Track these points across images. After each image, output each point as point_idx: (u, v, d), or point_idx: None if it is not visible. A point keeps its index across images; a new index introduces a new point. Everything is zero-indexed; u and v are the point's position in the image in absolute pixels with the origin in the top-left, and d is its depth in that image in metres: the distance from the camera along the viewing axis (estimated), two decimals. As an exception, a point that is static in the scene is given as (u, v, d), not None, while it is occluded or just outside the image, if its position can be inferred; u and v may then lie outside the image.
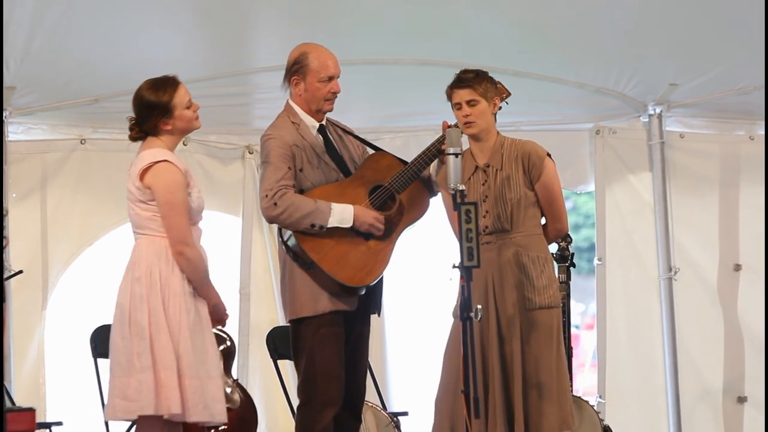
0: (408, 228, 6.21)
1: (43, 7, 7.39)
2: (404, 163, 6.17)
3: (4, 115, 8.13)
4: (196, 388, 5.56)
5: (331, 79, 6.10)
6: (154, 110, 5.70)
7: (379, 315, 6.28)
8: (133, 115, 5.78)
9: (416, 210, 6.20)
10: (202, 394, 5.57)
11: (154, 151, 5.68)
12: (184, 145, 8.53)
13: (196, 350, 5.61)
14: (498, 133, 6.18)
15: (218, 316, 5.79)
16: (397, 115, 8.88)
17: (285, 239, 6.08)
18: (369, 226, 6.01)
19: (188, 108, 5.78)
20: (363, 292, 6.07)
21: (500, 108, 6.26)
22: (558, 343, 6.07)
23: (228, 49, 8.21)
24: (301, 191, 6.01)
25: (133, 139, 5.79)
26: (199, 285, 5.69)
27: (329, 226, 5.96)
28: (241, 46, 8.31)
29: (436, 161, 6.15)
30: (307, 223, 5.93)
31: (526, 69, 8.30)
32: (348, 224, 5.98)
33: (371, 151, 6.30)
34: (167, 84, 5.73)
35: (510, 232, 6.07)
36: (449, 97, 6.13)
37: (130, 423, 7.03)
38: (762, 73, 8.28)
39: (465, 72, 6.13)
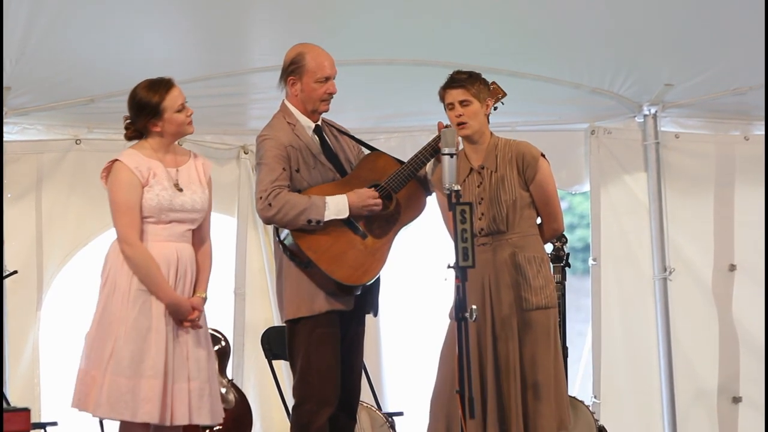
0: (405, 227, 6.21)
1: (38, 7, 7.39)
2: (401, 163, 6.17)
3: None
4: (120, 387, 5.60)
5: (327, 79, 6.10)
6: (143, 110, 5.74)
7: (375, 315, 6.28)
8: (128, 114, 5.82)
9: (413, 209, 6.20)
10: (127, 393, 5.60)
11: (123, 150, 5.76)
12: (179, 145, 8.51)
13: (133, 348, 5.64)
14: (492, 134, 6.18)
15: (179, 317, 5.78)
16: (393, 116, 8.88)
17: (282, 238, 6.07)
18: (367, 205, 6.00)
19: (179, 111, 5.78)
20: (359, 292, 6.06)
21: (495, 108, 6.26)
22: (555, 343, 6.07)
23: (223, 50, 8.20)
24: (297, 192, 6.00)
25: (128, 138, 5.84)
26: (146, 284, 5.73)
27: (326, 219, 5.95)
28: (236, 46, 8.30)
29: (432, 161, 6.15)
30: (303, 219, 5.92)
31: (521, 69, 8.30)
32: (345, 214, 5.98)
33: (367, 152, 6.30)
34: (160, 85, 5.76)
35: (506, 233, 6.07)
36: (442, 98, 6.13)
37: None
38: (758, 74, 8.29)
39: (458, 73, 6.13)
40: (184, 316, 5.77)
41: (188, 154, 5.98)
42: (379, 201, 6.03)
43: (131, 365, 5.62)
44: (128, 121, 5.82)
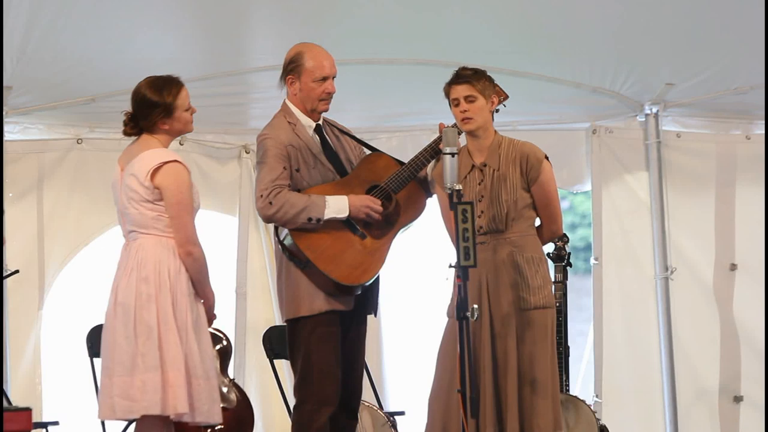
0: (404, 229, 6.21)
1: (39, 6, 7.39)
2: (401, 163, 6.17)
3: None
4: (203, 389, 5.58)
5: (325, 79, 6.09)
6: (155, 108, 5.69)
7: (375, 315, 6.28)
8: (129, 110, 5.77)
9: (413, 210, 6.20)
10: (208, 394, 5.59)
11: (160, 151, 5.68)
12: (181, 144, 8.53)
13: (201, 350, 5.63)
14: (495, 132, 6.18)
15: (210, 316, 5.81)
16: (393, 115, 8.88)
17: (281, 238, 6.08)
18: (366, 209, 6.00)
19: (187, 110, 5.78)
20: (359, 292, 6.06)
21: (497, 110, 6.26)
22: (552, 343, 6.07)
23: (224, 49, 8.21)
24: (297, 191, 6.01)
25: (127, 134, 5.78)
26: (201, 285, 5.71)
27: (326, 217, 5.95)
28: (237, 45, 8.31)
29: (432, 162, 6.14)
30: (303, 217, 5.93)
31: (522, 69, 8.30)
32: (344, 214, 5.98)
33: (368, 152, 6.30)
34: (171, 84, 5.74)
35: (505, 232, 6.07)
36: (447, 94, 6.12)
37: (126, 423, 7.04)
38: (759, 73, 8.29)
39: (464, 69, 6.14)
40: (212, 317, 5.82)
41: None
42: (380, 208, 6.03)
43: (201, 367, 5.59)
44: (129, 116, 5.78)
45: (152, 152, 5.67)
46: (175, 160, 5.65)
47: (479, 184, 6.10)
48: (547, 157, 6.13)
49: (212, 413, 5.60)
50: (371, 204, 6.02)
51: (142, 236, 5.67)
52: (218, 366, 7.88)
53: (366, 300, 6.15)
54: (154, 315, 5.56)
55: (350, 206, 5.99)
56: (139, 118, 5.74)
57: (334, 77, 6.10)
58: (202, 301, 5.74)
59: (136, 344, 5.55)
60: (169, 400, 5.52)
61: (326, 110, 6.16)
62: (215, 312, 5.86)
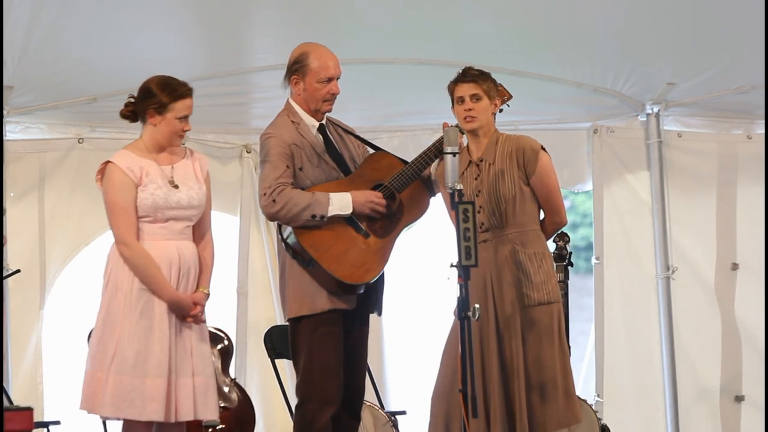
0: (408, 227, 6.21)
1: (41, 6, 7.39)
2: (405, 162, 6.17)
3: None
4: (125, 386, 5.63)
5: (330, 80, 6.09)
6: (150, 98, 5.74)
7: (379, 314, 6.28)
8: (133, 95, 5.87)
9: (416, 209, 6.19)
10: (133, 392, 5.62)
11: (116, 152, 5.80)
12: (182, 144, 8.52)
13: (137, 348, 5.66)
14: (495, 130, 6.18)
15: (181, 313, 5.80)
16: (395, 115, 8.88)
17: (284, 237, 6.07)
18: (370, 203, 6.00)
19: (181, 120, 5.80)
20: (362, 291, 6.06)
21: (501, 111, 6.26)
22: (560, 339, 6.06)
23: (225, 49, 8.21)
24: (301, 190, 6.00)
25: (122, 113, 5.86)
26: (146, 283, 5.75)
27: (330, 214, 5.95)
28: (238, 45, 8.31)
29: (436, 161, 6.14)
30: (307, 215, 5.92)
31: (523, 68, 8.30)
32: (348, 210, 5.97)
33: (372, 151, 6.30)
34: (178, 88, 5.79)
35: (505, 228, 6.07)
36: (451, 92, 6.12)
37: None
38: (759, 73, 8.29)
39: (470, 68, 6.14)
40: (185, 313, 5.79)
41: (184, 151, 5.99)
42: (383, 202, 6.03)
43: (135, 365, 5.65)
44: (131, 99, 5.85)
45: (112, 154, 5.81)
46: (109, 161, 5.77)
47: (476, 179, 6.10)
48: (543, 148, 6.12)
49: (146, 411, 5.64)
50: (375, 199, 6.01)
51: None
52: (219, 365, 7.92)
53: (369, 299, 6.14)
54: (97, 312, 5.79)
55: (354, 202, 5.99)
56: (137, 103, 5.82)
57: (338, 78, 6.10)
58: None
59: (90, 341, 5.81)
60: (88, 398, 5.70)
61: (330, 111, 6.16)
62: (205, 307, 5.89)
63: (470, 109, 6.06)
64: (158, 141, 5.85)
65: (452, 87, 6.13)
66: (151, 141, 5.84)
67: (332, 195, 5.97)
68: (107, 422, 7.54)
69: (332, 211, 5.96)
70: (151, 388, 5.65)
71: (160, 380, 5.67)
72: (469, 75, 6.10)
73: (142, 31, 7.77)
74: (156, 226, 5.78)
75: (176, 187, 5.82)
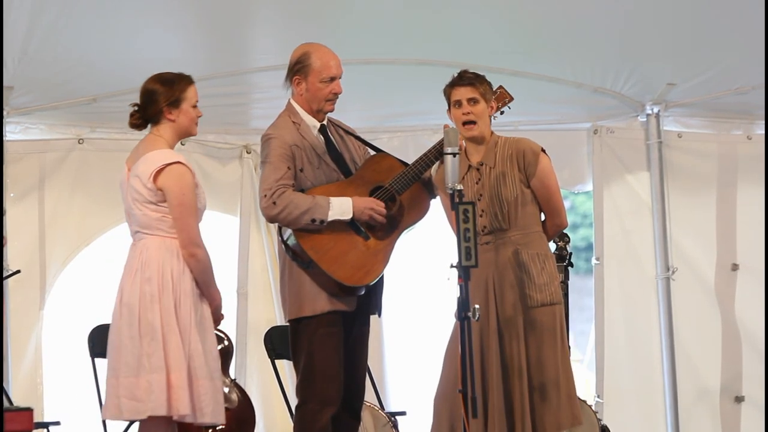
0: (408, 229, 6.20)
1: (41, 7, 7.39)
2: (405, 164, 6.17)
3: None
4: (207, 389, 5.58)
5: (332, 79, 6.08)
6: (162, 96, 5.69)
7: (379, 316, 6.27)
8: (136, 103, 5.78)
9: (416, 211, 6.19)
10: (212, 395, 5.59)
11: (164, 152, 5.68)
12: (182, 144, 8.53)
13: (205, 351, 5.62)
14: (492, 132, 6.18)
15: (216, 317, 5.81)
16: (395, 115, 8.88)
17: (285, 238, 6.07)
18: (370, 210, 5.99)
19: (194, 107, 5.79)
20: (362, 292, 6.05)
21: (502, 112, 6.26)
22: (561, 340, 6.07)
23: (226, 49, 8.21)
24: (301, 191, 6.00)
25: (132, 125, 5.77)
26: (206, 286, 5.70)
27: (330, 219, 5.94)
28: (238, 46, 8.31)
29: (437, 163, 6.14)
30: (307, 218, 5.92)
31: (523, 69, 8.31)
32: (348, 216, 5.97)
33: (372, 152, 6.29)
34: (181, 78, 5.77)
35: (508, 230, 6.07)
36: (448, 96, 6.12)
37: (127, 423, 7.04)
38: (759, 73, 8.29)
39: (466, 71, 6.14)
40: (219, 317, 5.82)
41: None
42: (383, 211, 6.02)
43: (206, 367, 5.59)
44: (135, 107, 5.77)
45: (156, 153, 5.66)
46: (179, 162, 5.64)
47: (477, 183, 6.10)
48: (544, 150, 6.12)
49: (216, 414, 5.60)
50: (375, 206, 6.01)
51: (147, 237, 5.68)
52: (220, 366, 7.91)
53: (369, 300, 6.14)
54: (158, 316, 5.56)
55: (354, 208, 5.98)
56: (146, 108, 5.74)
57: (340, 77, 6.10)
58: (207, 302, 5.74)
59: (141, 345, 5.55)
60: (173, 402, 5.51)
61: (332, 110, 6.15)
62: (223, 313, 5.88)
63: (468, 113, 6.06)
64: (180, 135, 5.80)
65: (449, 90, 6.13)
66: (173, 138, 5.77)
67: (333, 200, 5.96)
68: (107, 423, 7.55)
69: (332, 216, 5.95)
70: (219, 391, 5.65)
71: (219, 383, 5.68)
72: (465, 78, 6.09)
73: (142, 31, 7.77)
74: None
75: None
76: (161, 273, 5.61)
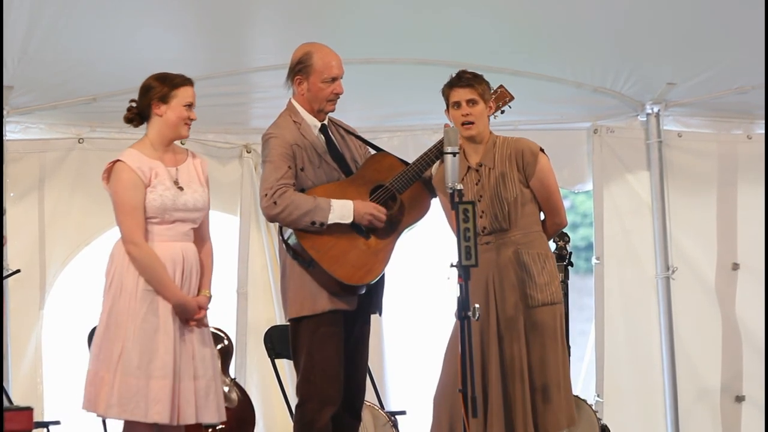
0: (409, 229, 6.20)
1: (40, 6, 7.39)
2: (406, 163, 6.16)
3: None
4: (131, 387, 5.62)
5: (334, 79, 6.08)
6: (151, 90, 5.74)
7: (380, 315, 6.27)
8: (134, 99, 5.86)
9: (417, 210, 6.19)
10: (138, 393, 5.62)
11: (123, 151, 5.77)
12: (182, 144, 8.53)
13: (141, 349, 5.65)
14: (491, 132, 6.18)
15: (186, 316, 5.80)
16: (395, 115, 8.88)
17: (285, 238, 6.07)
18: (370, 216, 6.00)
19: (186, 108, 5.80)
20: (363, 292, 6.05)
21: (503, 112, 6.26)
22: (561, 341, 6.08)
23: (225, 49, 8.21)
24: (302, 191, 6.00)
25: (126, 118, 5.85)
26: (153, 284, 5.74)
27: (330, 222, 5.95)
28: (238, 45, 8.31)
29: (437, 163, 6.14)
30: (307, 220, 5.92)
31: (523, 68, 8.30)
32: (349, 219, 5.97)
33: (373, 152, 6.29)
34: (177, 77, 5.80)
35: (508, 231, 6.07)
36: (447, 97, 6.12)
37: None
38: (759, 73, 8.29)
39: (464, 72, 6.14)
40: (190, 316, 5.79)
41: (186, 152, 5.99)
42: (383, 217, 6.01)
43: (140, 366, 5.64)
44: (132, 103, 5.84)
45: (120, 153, 5.77)
46: (118, 160, 5.74)
47: (476, 184, 6.10)
48: (542, 150, 6.12)
49: (151, 412, 5.64)
50: (375, 212, 6.01)
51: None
52: (219, 365, 7.90)
53: (370, 299, 6.14)
54: (101, 311, 5.77)
55: (354, 212, 5.98)
56: (139, 103, 5.80)
57: (341, 77, 6.10)
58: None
59: (93, 340, 5.81)
60: (91, 397, 5.69)
61: (333, 110, 6.15)
62: (208, 310, 5.89)
63: (468, 114, 6.05)
64: (165, 134, 5.83)
65: (447, 91, 6.13)
66: (158, 137, 5.82)
67: (334, 202, 5.96)
68: (107, 422, 7.55)
69: (332, 219, 5.95)
70: (156, 390, 5.65)
71: (165, 381, 5.67)
72: (464, 79, 6.09)
73: (141, 31, 7.77)
74: (163, 227, 5.78)
75: (181, 189, 5.82)
76: (109, 270, 5.79)
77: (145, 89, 5.80)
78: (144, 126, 5.91)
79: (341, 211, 5.96)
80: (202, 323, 5.85)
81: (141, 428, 5.69)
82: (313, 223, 5.92)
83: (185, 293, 5.79)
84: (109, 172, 5.78)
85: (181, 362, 5.73)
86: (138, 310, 5.69)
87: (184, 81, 5.83)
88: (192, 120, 5.88)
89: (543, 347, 6.01)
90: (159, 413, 5.64)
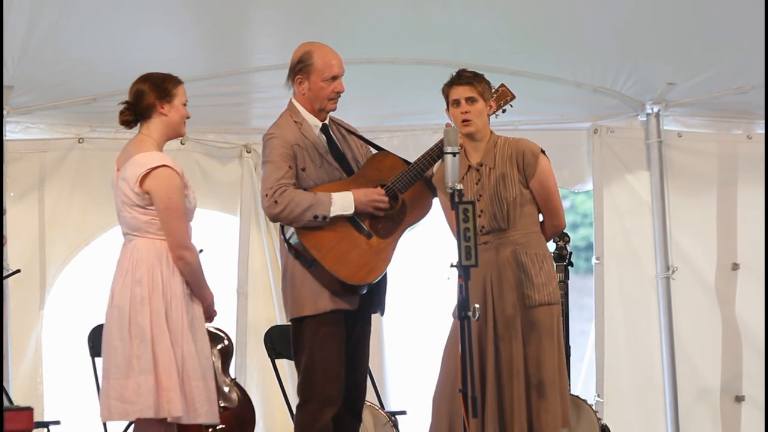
0: (410, 228, 6.21)
1: (40, 6, 7.39)
2: (407, 163, 6.17)
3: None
4: (201, 390, 5.59)
5: (335, 78, 6.09)
6: (154, 91, 5.70)
7: (382, 314, 6.28)
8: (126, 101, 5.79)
9: (419, 210, 6.19)
10: (205, 395, 5.60)
11: (150, 154, 5.67)
12: (182, 144, 8.54)
13: (197, 351, 5.63)
14: (491, 132, 6.18)
15: (209, 314, 5.83)
16: (395, 114, 8.88)
17: (287, 237, 6.07)
18: (372, 201, 5.99)
19: (185, 105, 5.80)
20: (364, 291, 6.06)
21: (504, 111, 6.27)
22: (558, 341, 6.08)
23: (225, 49, 8.21)
24: (303, 190, 6.00)
25: (122, 122, 5.77)
26: (197, 287, 5.71)
27: (332, 215, 5.94)
28: (238, 45, 8.31)
29: (438, 162, 6.14)
30: (309, 215, 5.92)
31: (523, 68, 8.30)
32: (350, 210, 5.97)
33: (374, 151, 6.29)
34: (171, 77, 5.78)
35: (507, 231, 6.07)
36: (446, 95, 6.13)
37: (127, 423, 7.04)
38: (759, 72, 8.29)
39: (464, 70, 6.14)
40: (212, 314, 5.83)
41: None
42: (385, 199, 6.02)
43: (199, 368, 5.61)
44: (126, 105, 5.76)
45: (142, 156, 5.66)
46: (164, 165, 5.65)
47: (476, 183, 6.11)
48: (543, 151, 6.13)
49: (210, 414, 5.61)
50: (377, 197, 6.01)
51: (136, 238, 5.70)
52: (219, 365, 7.91)
53: (371, 299, 6.14)
54: (148, 318, 5.58)
55: (356, 201, 5.98)
56: (138, 104, 5.74)
57: (342, 76, 6.10)
58: (198, 301, 5.75)
59: (131, 347, 5.57)
60: (163, 403, 5.53)
61: (334, 109, 6.16)
62: (216, 309, 5.87)
63: (466, 112, 6.06)
64: (168, 133, 5.79)
65: (447, 90, 6.13)
66: (162, 137, 5.77)
67: (334, 195, 5.97)
68: (107, 423, 7.55)
69: (334, 211, 5.95)
70: (212, 391, 5.66)
71: (212, 382, 5.69)
72: (464, 77, 6.10)
73: (141, 31, 7.77)
74: (190, 229, 5.78)
75: None
76: (151, 275, 5.62)
77: (143, 91, 5.74)
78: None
79: (342, 202, 5.97)
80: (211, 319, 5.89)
81: (154, 426, 5.65)
82: (316, 217, 5.92)
83: None
84: (145, 177, 5.63)
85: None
86: (189, 314, 5.65)
87: (179, 80, 5.81)
88: (188, 118, 5.87)
89: (540, 347, 6.02)
90: (216, 414, 5.65)
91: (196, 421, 5.58)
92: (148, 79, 5.77)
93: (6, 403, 7.48)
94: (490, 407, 5.96)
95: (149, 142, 5.73)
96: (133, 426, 5.76)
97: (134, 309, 5.60)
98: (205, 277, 5.75)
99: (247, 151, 8.87)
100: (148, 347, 5.55)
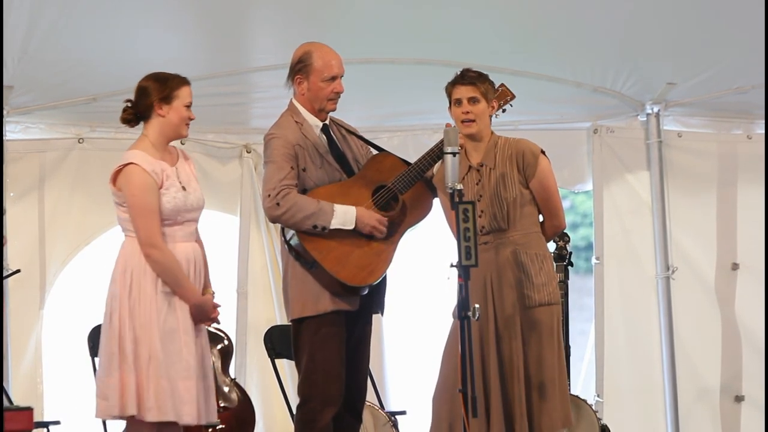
0: (411, 229, 6.21)
1: (40, 6, 7.39)
2: (408, 164, 6.17)
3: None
4: (164, 389, 5.60)
5: (334, 78, 6.09)
6: (155, 91, 5.72)
7: (382, 315, 6.28)
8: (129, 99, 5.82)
9: (419, 211, 6.19)
10: (170, 395, 5.61)
11: (128, 153, 5.74)
12: (182, 144, 8.53)
13: (167, 351, 5.64)
14: (492, 132, 6.18)
15: (203, 316, 5.80)
16: (394, 115, 8.88)
17: (288, 238, 6.07)
18: (371, 228, 6.00)
19: (187, 108, 5.80)
20: (365, 292, 6.06)
21: (504, 111, 6.26)
22: (558, 341, 6.08)
23: (225, 49, 8.21)
24: (304, 191, 6.00)
25: (123, 119, 5.82)
26: (173, 286, 5.72)
27: (332, 227, 5.95)
28: (238, 45, 8.31)
29: (439, 163, 6.14)
30: (309, 224, 5.92)
31: (523, 68, 8.30)
32: (350, 226, 5.97)
33: (375, 152, 6.29)
34: (176, 77, 5.80)
35: (507, 231, 6.07)
36: (449, 94, 6.13)
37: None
38: (759, 73, 8.29)
39: (468, 70, 6.14)
40: (207, 315, 5.80)
41: (176, 151, 5.97)
42: (384, 230, 6.02)
43: (167, 368, 5.62)
44: (128, 103, 5.81)
45: (124, 154, 5.73)
46: (131, 163, 5.69)
47: (477, 183, 6.11)
48: (543, 152, 6.13)
49: (182, 413, 5.63)
50: (378, 225, 6.00)
51: (126, 237, 5.78)
52: (219, 365, 7.92)
53: (372, 300, 6.14)
54: (118, 315, 5.66)
55: (357, 220, 5.98)
56: (138, 103, 5.78)
57: (342, 76, 6.10)
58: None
59: (109, 345, 5.66)
60: (123, 401, 5.61)
61: (334, 110, 6.16)
62: (219, 311, 5.88)
63: (468, 112, 6.06)
64: (167, 134, 5.81)
65: (450, 89, 6.13)
66: (159, 137, 5.80)
67: (337, 207, 5.96)
68: (107, 422, 7.55)
69: (335, 224, 5.95)
70: (183, 391, 5.65)
71: (191, 382, 5.68)
72: (467, 77, 6.10)
73: (141, 31, 7.77)
74: (175, 228, 5.77)
75: (184, 188, 5.82)
76: (123, 272, 5.70)
77: (145, 90, 5.78)
78: (139, 126, 5.90)
79: (344, 217, 5.96)
80: (216, 321, 5.86)
81: (143, 427, 5.67)
82: (315, 226, 5.92)
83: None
84: (117, 175, 5.73)
85: (199, 362, 5.74)
86: (158, 314, 5.66)
87: (184, 81, 5.83)
88: (191, 119, 5.88)
89: (540, 347, 6.02)
90: (189, 414, 5.66)
91: (146, 419, 5.60)
92: (151, 78, 5.80)
93: (6, 403, 7.48)
94: (495, 408, 5.96)
95: (144, 142, 5.79)
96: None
97: (111, 307, 5.70)
98: (186, 277, 5.74)
99: (247, 151, 8.88)
100: (117, 345, 5.63)
